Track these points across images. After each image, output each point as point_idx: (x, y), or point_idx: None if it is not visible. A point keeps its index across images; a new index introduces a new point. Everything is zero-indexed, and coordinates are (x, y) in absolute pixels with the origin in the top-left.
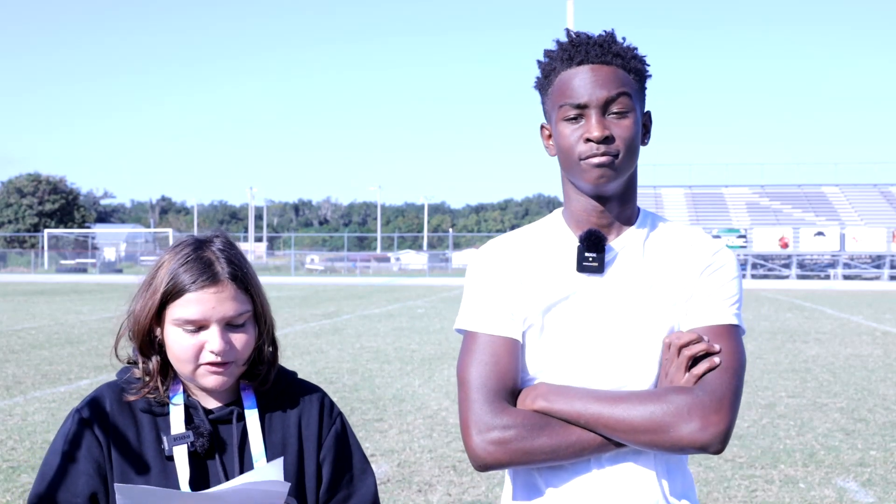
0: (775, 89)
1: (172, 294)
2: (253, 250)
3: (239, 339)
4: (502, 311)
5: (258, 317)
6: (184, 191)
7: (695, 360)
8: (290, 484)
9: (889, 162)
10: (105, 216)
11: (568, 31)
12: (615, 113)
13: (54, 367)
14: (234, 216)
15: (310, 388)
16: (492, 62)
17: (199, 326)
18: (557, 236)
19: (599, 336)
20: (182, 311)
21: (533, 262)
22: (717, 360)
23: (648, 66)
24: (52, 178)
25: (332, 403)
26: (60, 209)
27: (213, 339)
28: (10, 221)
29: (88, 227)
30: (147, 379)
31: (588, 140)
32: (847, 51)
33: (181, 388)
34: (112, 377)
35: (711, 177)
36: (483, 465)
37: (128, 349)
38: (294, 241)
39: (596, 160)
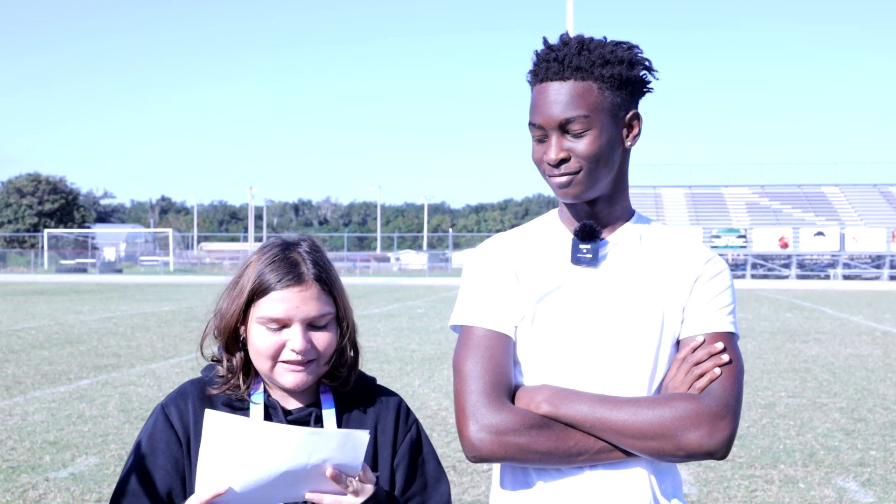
0: (775, 89)
1: (259, 292)
2: (253, 250)
3: (320, 340)
4: (498, 306)
5: (340, 320)
6: (184, 191)
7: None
8: (370, 433)
9: (889, 162)
10: (105, 216)
11: (545, 39)
12: (573, 132)
13: (54, 367)
14: (234, 216)
15: (387, 394)
16: (492, 62)
17: (283, 325)
18: (552, 233)
19: (591, 327)
20: (267, 308)
21: (528, 258)
22: (717, 371)
23: (639, 65)
24: (51, 178)
25: (408, 410)
26: (60, 209)
27: (294, 337)
28: (9, 221)
29: (88, 227)
30: (229, 375)
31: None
32: (847, 51)
33: (262, 387)
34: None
35: (711, 177)
36: (477, 456)
37: (212, 347)
38: None
39: (556, 180)
